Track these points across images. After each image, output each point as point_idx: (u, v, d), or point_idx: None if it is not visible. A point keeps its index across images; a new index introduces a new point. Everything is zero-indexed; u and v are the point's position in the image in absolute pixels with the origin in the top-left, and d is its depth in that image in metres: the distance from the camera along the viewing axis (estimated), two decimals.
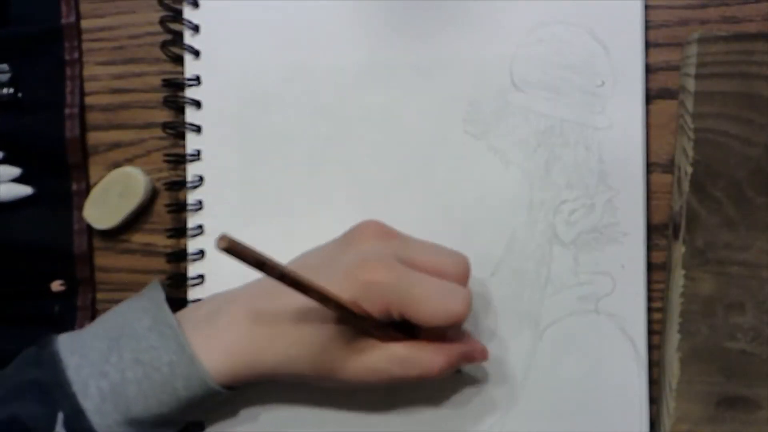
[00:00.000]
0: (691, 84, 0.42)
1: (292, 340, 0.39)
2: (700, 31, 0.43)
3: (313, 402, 0.45)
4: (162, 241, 0.48)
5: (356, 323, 0.38)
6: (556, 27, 0.44)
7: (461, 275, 0.40)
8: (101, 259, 0.49)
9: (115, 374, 0.38)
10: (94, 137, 0.48)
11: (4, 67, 0.47)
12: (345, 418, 0.45)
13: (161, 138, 0.48)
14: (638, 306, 0.44)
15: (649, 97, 0.45)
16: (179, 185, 0.47)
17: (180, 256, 0.47)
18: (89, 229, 0.48)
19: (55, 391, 0.38)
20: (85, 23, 0.48)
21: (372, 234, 0.40)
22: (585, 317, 0.44)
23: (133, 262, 0.48)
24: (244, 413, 0.46)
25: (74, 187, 0.48)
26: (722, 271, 0.42)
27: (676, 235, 0.43)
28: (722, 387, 0.41)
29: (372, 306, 0.38)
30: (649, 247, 0.44)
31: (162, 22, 0.46)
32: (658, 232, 0.45)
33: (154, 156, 0.48)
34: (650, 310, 0.44)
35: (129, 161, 0.48)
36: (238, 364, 0.39)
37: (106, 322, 0.41)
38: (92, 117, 0.48)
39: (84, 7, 0.48)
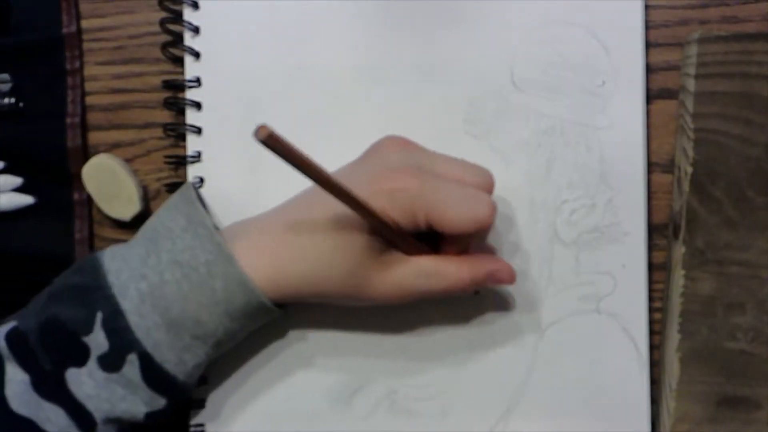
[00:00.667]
0: (691, 84, 0.42)
1: (324, 248, 0.38)
2: (700, 31, 0.43)
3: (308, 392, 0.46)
4: None
5: (386, 232, 0.38)
6: (557, 27, 0.44)
7: (486, 185, 0.40)
8: None
9: (154, 276, 0.38)
10: (94, 137, 0.48)
11: (6, 76, 0.47)
12: (342, 420, 0.45)
13: (161, 138, 0.48)
14: (639, 306, 0.44)
15: (649, 97, 0.45)
16: (180, 187, 0.47)
17: None
18: (90, 239, 0.48)
19: (94, 293, 0.38)
20: (85, 23, 0.48)
21: (395, 145, 0.40)
22: (586, 317, 0.44)
23: None
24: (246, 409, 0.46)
25: (76, 196, 0.48)
26: (722, 271, 0.42)
27: (676, 235, 0.43)
28: (722, 387, 0.41)
29: (398, 213, 0.38)
30: (649, 247, 0.44)
31: (162, 23, 0.46)
32: (658, 232, 0.45)
33: (154, 156, 0.48)
34: (650, 310, 0.44)
35: (129, 161, 0.48)
36: (275, 270, 0.38)
37: (145, 227, 0.41)
38: (92, 117, 0.48)
39: (84, 7, 0.48)
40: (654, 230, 0.45)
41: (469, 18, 0.45)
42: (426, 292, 0.40)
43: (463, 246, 0.40)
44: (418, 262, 0.39)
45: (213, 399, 0.46)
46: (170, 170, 0.48)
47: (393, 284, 0.39)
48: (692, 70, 0.42)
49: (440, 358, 0.45)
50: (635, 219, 0.44)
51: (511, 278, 0.41)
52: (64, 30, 0.48)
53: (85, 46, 0.48)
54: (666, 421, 0.42)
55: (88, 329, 0.38)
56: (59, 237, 0.47)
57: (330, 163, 0.44)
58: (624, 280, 0.44)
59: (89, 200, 0.48)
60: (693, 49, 0.42)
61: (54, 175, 0.48)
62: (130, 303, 0.38)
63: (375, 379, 0.45)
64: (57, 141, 0.47)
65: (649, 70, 0.44)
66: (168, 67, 0.47)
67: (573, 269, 0.44)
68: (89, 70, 0.48)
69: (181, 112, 0.47)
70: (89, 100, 0.48)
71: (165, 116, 0.48)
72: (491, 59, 0.45)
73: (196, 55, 0.46)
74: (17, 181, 0.48)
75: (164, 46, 0.46)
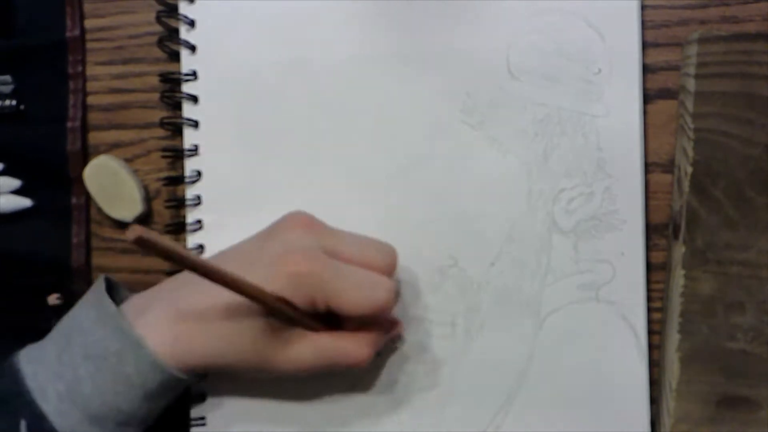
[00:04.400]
0: (691, 84, 0.42)
1: (223, 332, 0.39)
2: (700, 31, 0.43)
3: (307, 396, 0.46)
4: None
5: (280, 315, 0.38)
6: (552, 15, 0.44)
7: (388, 267, 0.41)
8: (101, 259, 0.49)
9: (69, 373, 0.38)
10: (94, 137, 0.48)
11: (7, 78, 0.47)
12: (344, 414, 0.45)
13: (161, 138, 0.48)
14: (638, 293, 0.44)
15: (649, 97, 0.45)
16: (177, 181, 0.47)
17: None
18: (87, 243, 0.48)
19: (15, 399, 0.38)
20: (85, 23, 0.48)
21: (297, 225, 0.41)
22: (585, 305, 0.44)
23: (133, 262, 0.48)
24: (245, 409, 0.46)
25: (74, 200, 0.48)
26: (722, 271, 0.42)
27: (676, 235, 0.43)
28: (722, 387, 0.41)
29: (297, 297, 0.38)
30: (649, 247, 0.44)
31: (158, 17, 0.46)
32: (658, 232, 0.45)
33: (154, 156, 0.48)
34: (650, 310, 0.44)
35: (129, 161, 0.48)
36: (180, 348, 0.39)
37: (60, 323, 0.41)
38: (92, 117, 0.48)
39: (84, 7, 0.48)
40: (654, 230, 0.45)
41: (465, 8, 0.45)
42: (328, 369, 0.40)
43: (363, 321, 0.41)
44: (318, 340, 0.40)
45: (214, 392, 0.46)
46: (168, 165, 0.48)
47: (294, 361, 0.40)
48: (692, 70, 0.42)
49: (439, 348, 0.45)
50: (633, 207, 0.44)
51: (400, 329, 0.43)
52: (68, 33, 0.48)
53: (86, 45, 0.48)
54: (666, 421, 0.42)
55: None
56: (57, 240, 0.47)
57: (328, 155, 0.45)
58: (623, 268, 0.44)
59: (87, 204, 0.48)
60: (693, 49, 0.42)
61: (53, 179, 0.48)
62: (49, 405, 0.38)
63: (375, 370, 0.45)
64: (57, 144, 0.47)
65: (649, 70, 0.44)
66: (168, 67, 0.47)
67: (572, 258, 0.44)
68: (89, 70, 0.48)
69: (178, 106, 0.47)
70: (89, 100, 0.48)
71: (165, 115, 0.48)
72: (487, 49, 0.45)
73: (192, 48, 0.46)
74: (16, 183, 0.48)
75: (160, 41, 0.46)
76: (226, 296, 0.37)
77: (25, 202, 0.48)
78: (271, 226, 0.41)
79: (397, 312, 0.45)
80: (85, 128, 0.48)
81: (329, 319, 0.40)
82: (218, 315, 0.38)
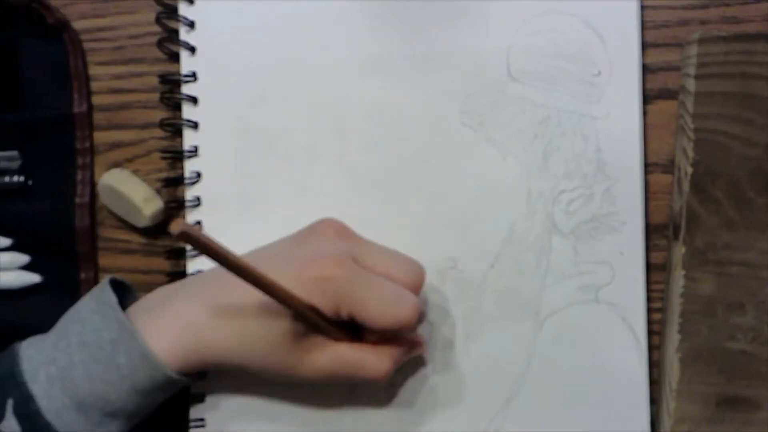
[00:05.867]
0: (691, 84, 0.42)
1: (240, 331, 0.39)
2: (701, 31, 0.43)
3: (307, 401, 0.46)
4: (161, 241, 0.48)
5: (306, 320, 0.38)
6: (552, 17, 0.44)
7: (415, 283, 0.41)
8: (102, 260, 0.49)
9: (63, 358, 0.38)
10: (94, 137, 0.48)
11: (14, 154, 0.47)
12: (343, 415, 0.45)
13: (161, 138, 0.48)
14: (638, 295, 0.44)
15: (649, 97, 0.45)
16: (177, 182, 0.47)
17: (179, 254, 0.47)
18: None
19: (8, 380, 0.38)
20: (85, 23, 0.48)
21: (329, 231, 0.41)
22: (585, 307, 0.44)
23: (133, 262, 0.48)
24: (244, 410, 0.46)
25: (82, 276, 0.48)
26: (722, 271, 0.42)
27: (676, 236, 0.43)
28: (722, 387, 0.41)
29: (323, 302, 0.38)
30: (649, 247, 0.44)
31: (158, 18, 0.46)
32: (658, 232, 0.45)
33: (154, 156, 0.48)
34: (650, 310, 0.44)
35: (129, 161, 0.48)
36: (184, 348, 0.39)
37: (64, 315, 0.41)
38: (92, 117, 0.48)
39: (84, 7, 0.48)
40: (654, 230, 0.45)
41: (465, 10, 0.45)
42: (345, 379, 0.40)
43: (385, 336, 0.41)
44: (339, 350, 0.40)
45: (213, 392, 0.46)
46: (168, 166, 0.48)
47: (313, 369, 0.40)
48: (692, 71, 0.42)
49: (438, 350, 0.45)
50: (633, 208, 0.44)
51: (421, 350, 0.43)
52: (75, 109, 0.47)
53: (85, 46, 0.48)
54: (666, 422, 0.42)
55: (1, 416, 0.38)
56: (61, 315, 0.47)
57: (328, 156, 0.45)
58: (622, 270, 0.44)
59: (95, 279, 0.48)
60: (693, 50, 0.42)
61: (61, 254, 0.47)
62: (39, 387, 0.38)
63: None
64: (65, 220, 0.47)
65: (649, 70, 0.45)
66: (168, 67, 0.47)
67: (571, 259, 0.44)
68: (89, 70, 0.48)
69: (178, 107, 0.47)
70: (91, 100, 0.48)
71: (165, 115, 0.48)
72: (487, 50, 0.45)
73: (192, 49, 0.46)
74: (24, 259, 0.47)
75: (160, 42, 0.46)
76: (255, 296, 0.37)
77: (33, 278, 0.47)
78: (303, 230, 0.42)
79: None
80: (93, 204, 0.48)
81: (352, 331, 0.40)
82: (245, 313, 0.39)
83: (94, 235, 0.48)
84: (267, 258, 0.40)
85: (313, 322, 0.38)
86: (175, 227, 0.31)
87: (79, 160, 0.47)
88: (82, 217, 0.47)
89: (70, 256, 0.47)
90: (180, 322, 0.39)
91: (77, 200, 0.47)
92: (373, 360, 0.40)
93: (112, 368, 0.38)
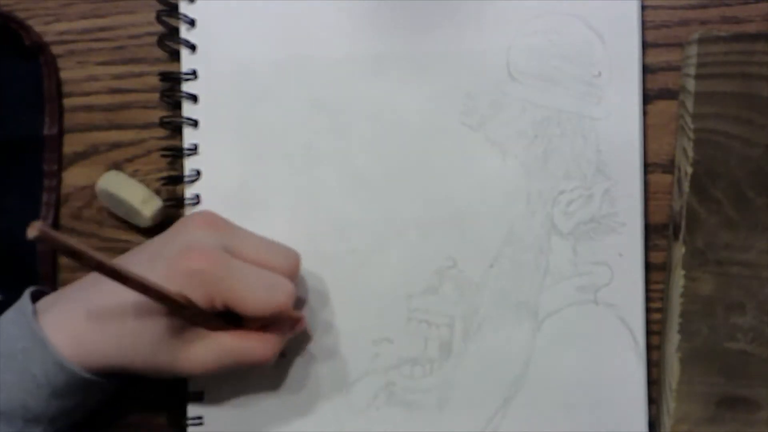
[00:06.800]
0: (691, 84, 0.42)
1: (118, 332, 0.38)
2: (701, 31, 0.43)
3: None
4: None
5: (182, 313, 0.38)
6: (552, 18, 0.44)
7: (290, 270, 0.41)
8: None
9: None
10: (94, 137, 0.48)
11: None
12: (342, 415, 0.45)
13: (161, 138, 0.48)
14: (636, 296, 0.44)
15: (649, 97, 0.45)
16: (177, 180, 0.47)
17: None
18: None
19: None
20: (85, 23, 0.48)
21: (200, 223, 0.41)
22: (584, 307, 0.44)
23: None
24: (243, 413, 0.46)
25: None
26: (722, 271, 0.42)
27: (676, 236, 0.43)
28: (722, 387, 0.41)
29: (196, 295, 0.38)
30: (649, 247, 0.44)
31: (158, 16, 0.46)
32: (658, 232, 0.45)
33: (154, 156, 0.48)
34: (650, 310, 0.44)
35: (129, 161, 0.48)
36: (84, 350, 0.38)
37: None
38: (92, 117, 0.48)
39: (84, 7, 0.48)
40: (654, 230, 0.45)
41: (466, 10, 0.45)
42: (232, 367, 0.40)
43: (265, 322, 0.41)
44: (221, 339, 0.40)
45: (211, 391, 0.46)
46: (168, 166, 0.48)
47: (198, 362, 0.40)
48: (692, 71, 0.42)
49: (437, 350, 0.45)
50: (632, 209, 0.44)
51: (302, 325, 0.43)
52: (46, 132, 0.47)
53: (85, 46, 0.48)
54: (666, 422, 0.42)
55: None
56: None
57: (328, 155, 0.45)
58: (621, 271, 0.44)
59: None
60: (693, 50, 0.42)
61: (22, 274, 0.47)
62: None
63: (373, 372, 0.45)
64: (27, 241, 0.47)
65: (649, 70, 0.44)
66: (168, 67, 0.47)
67: (570, 260, 0.44)
68: (89, 70, 0.48)
69: (178, 106, 0.47)
70: (89, 100, 0.48)
71: (165, 114, 0.48)
72: (487, 50, 0.45)
73: (192, 47, 0.46)
74: None
75: (160, 40, 0.46)
76: (128, 296, 0.37)
77: None
78: (176, 224, 0.42)
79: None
80: (56, 226, 0.48)
81: (232, 319, 0.40)
82: (119, 315, 0.38)
83: (56, 255, 0.48)
84: (138, 257, 0.40)
85: (189, 315, 0.38)
86: (31, 231, 0.31)
87: (46, 182, 0.47)
88: (32, 221, 0.47)
89: (31, 275, 0.47)
90: (62, 334, 0.38)
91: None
92: (256, 345, 0.40)
93: (27, 376, 0.38)
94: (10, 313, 0.40)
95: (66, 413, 0.40)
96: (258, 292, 0.39)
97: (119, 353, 0.39)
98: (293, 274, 0.41)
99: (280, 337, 0.41)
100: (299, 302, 0.45)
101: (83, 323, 0.39)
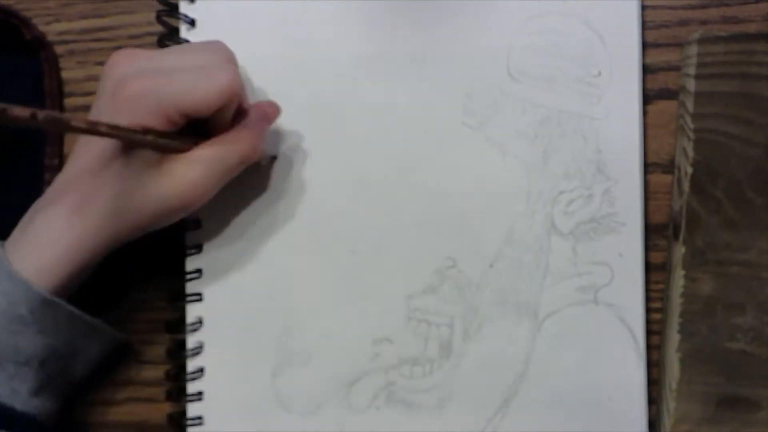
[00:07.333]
0: (691, 84, 0.42)
1: (104, 199, 0.38)
2: (700, 31, 0.43)
3: None
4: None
5: (150, 144, 0.38)
6: (552, 18, 0.44)
7: (226, 54, 0.41)
8: None
9: None
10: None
11: None
12: (342, 415, 0.45)
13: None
14: (637, 296, 0.44)
15: (649, 97, 0.45)
16: None
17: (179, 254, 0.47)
18: None
19: None
20: (85, 23, 0.48)
21: (121, 58, 0.40)
22: (584, 308, 0.44)
23: None
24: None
25: None
26: (722, 271, 0.42)
27: (676, 236, 0.43)
28: (722, 387, 0.41)
29: (149, 118, 0.37)
30: (649, 247, 0.44)
31: (158, 17, 0.46)
32: (658, 232, 0.45)
33: None
34: (650, 310, 0.44)
35: None
36: (61, 257, 0.38)
37: None
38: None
39: (84, 7, 0.48)
40: (654, 230, 0.45)
41: (466, 10, 0.45)
42: (223, 177, 0.40)
43: (228, 118, 0.40)
44: (199, 152, 0.39)
45: (211, 390, 0.45)
46: None
47: (187, 184, 0.39)
48: (692, 71, 0.42)
49: (437, 349, 0.45)
50: (632, 209, 0.44)
51: (277, 109, 0.43)
52: None
53: (85, 45, 0.48)
54: (666, 422, 0.42)
55: None
56: None
57: (327, 155, 0.45)
58: (621, 271, 0.44)
59: None
60: (693, 50, 0.42)
61: None
62: None
63: (373, 372, 0.45)
64: None
65: (649, 70, 0.44)
66: None
67: (570, 260, 0.44)
68: (89, 70, 0.48)
69: None
70: (89, 100, 0.48)
71: None
72: (487, 50, 0.45)
73: None
74: None
75: (160, 40, 0.46)
76: (94, 154, 0.38)
77: None
78: (102, 75, 0.41)
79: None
80: None
81: (202, 135, 0.40)
82: (96, 171, 0.39)
83: None
84: (89, 112, 0.40)
85: (157, 143, 0.38)
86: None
87: (47, 176, 0.47)
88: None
89: None
90: (51, 233, 0.38)
91: None
92: (235, 142, 0.40)
93: (14, 317, 0.38)
94: None
95: (57, 355, 0.40)
96: (202, 84, 0.38)
97: (111, 219, 0.39)
98: (229, 55, 0.41)
99: (255, 127, 0.41)
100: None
101: (64, 215, 0.39)
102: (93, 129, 0.36)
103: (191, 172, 0.39)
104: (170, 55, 0.41)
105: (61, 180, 0.41)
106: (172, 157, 0.39)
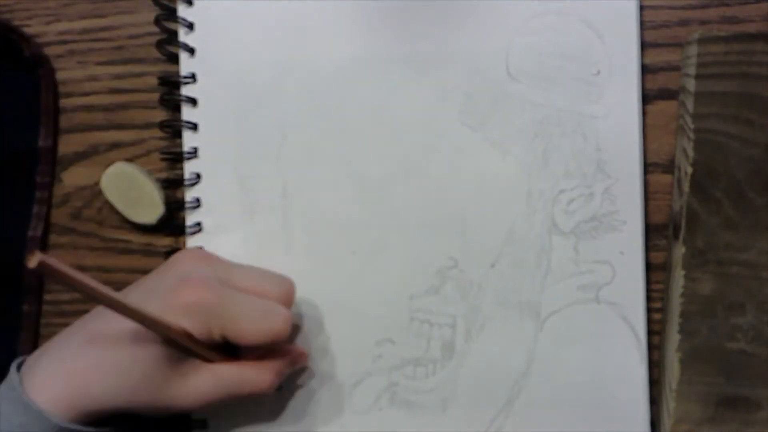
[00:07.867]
0: (691, 84, 0.42)
1: (119, 360, 0.38)
2: (700, 31, 0.43)
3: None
4: (161, 241, 0.48)
5: (179, 345, 0.38)
6: (551, 17, 0.44)
7: (286, 296, 0.41)
8: (101, 260, 0.48)
9: None
10: (94, 137, 0.48)
11: None
12: (344, 415, 0.45)
13: (161, 138, 0.48)
14: (638, 294, 0.44)
15: (649, 97, 0.45)
16: (177, 183, 0.47)
17: None
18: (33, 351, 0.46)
19: None
20: (85, 23, 0.48)
21: (192, 257, 0.41)
22: (586, 306, 0.44)
23: (132, 262, 0.48)
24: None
25: (26, 308, 0.47)
26: (722, 271, 0.42)
27: (676, 236, 0.43)
28: (722, 387, 0.42)
29: (193, 326, 0.38)
30: (649, 248, 0.45)
31: (157, 20, 0.46)
32: (658, 232, 0.45)
33: (153, 156, 0.48)
34: (650, 310, 0.44)
35: (129, 161, 0.48)
36: (75, 388, 0.38)
37: None
38: (92, 117, 0.48)
39: (84, 7, 0.48)
40: (654, 230, 0.45)
41: (464, 10, 0.45)
42: (230, 398, 0.40)
43: (262, 351, 0.41)
44: (218, 370, 0.40)
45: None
46: (168, 168, 0.48)
47: (195, 393, 0.39)
48: (692, 71, 0.42)
49: (439, 350, 0.45)
50: (633, 207, 0.44)
51: (304, 361, 0.44)
52: (41, 143, 0.47)
53: (85, 46, 0.48)
54: (666, 422, 0.42)
55: None
56: (2, 348, 0.46)
57: (327, 157, 0.45)
58: (623, 269, 0.44)
59: (38, 314, 0.48)
60: (693, 50, 0.42)
61: (8, 284, 0.47)
62: None
63: (376, 373, 0.45)
64: (15, 252, 0.47)
65: (649, 70, 0.45)
66: (168, 67, 0.47)
67: (572, 259, 0.44)
68: (89, 70, 0.48)
69: (177, 109, 0.46)
70: (89, 100, 0.48)
71: (165, 116, 0.48)
72: (487, 50, 0.45)
73: (191, 51, 0.46)
74: None
75: (159, 43, 0.46)
76: (124, 327, 0.37)
77: None
78: (167, 262, 0.42)
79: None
80: (44, 238, 0.48)
81: (230, 350, 0.40)
82: (116, 344, 0.38)
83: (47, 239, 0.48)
84: (133, 293, 0.40)
85: (186, 346, 0.38)
86: (32, 261, 0.30)
87: (38, 194, 0.47)
88: (32, 249, 0.47)
89: (16, 287, 0.47)
90: (66, 360, 0.38)
91: (30, 233, 0.47)
92: (253, 375, 0.40)
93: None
94: (2, 389, 0.39)
95: None
96: (254, 320, 0.39)
97: (114, 386, 0.38)
98: (288, 300, 0.41)
99: (280, 368, 0.41)
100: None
101: (78, 358, 0.38)
102: (143, 319, 0.36)
103: (204, 384, 0.39)
104: (239, 274, 0.41)
105: (95, 311, 0.40)
106: (191, 361, 0.39)
